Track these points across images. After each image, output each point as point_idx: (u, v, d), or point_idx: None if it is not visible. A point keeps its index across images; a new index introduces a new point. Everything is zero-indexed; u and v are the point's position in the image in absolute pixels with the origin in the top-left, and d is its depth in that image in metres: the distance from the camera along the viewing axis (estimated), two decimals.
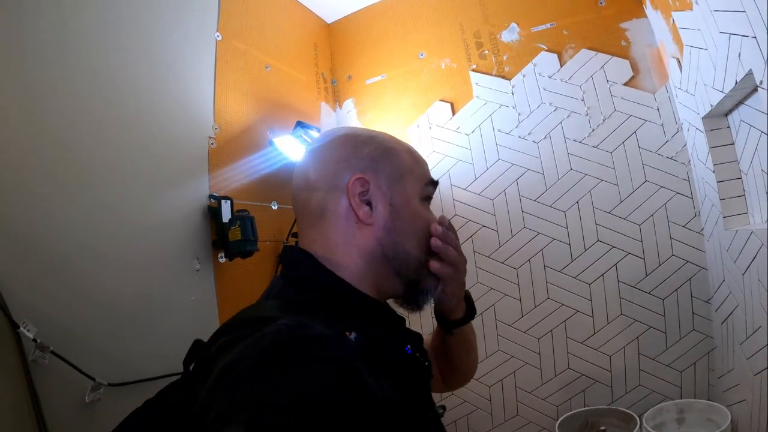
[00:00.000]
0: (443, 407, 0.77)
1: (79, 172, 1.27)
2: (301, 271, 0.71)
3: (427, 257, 0.74)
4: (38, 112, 1.19)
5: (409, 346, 0.72)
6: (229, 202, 1.66)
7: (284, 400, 0.47)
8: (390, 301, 0.77)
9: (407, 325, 0.78)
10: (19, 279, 1.09)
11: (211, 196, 1.66)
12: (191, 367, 0.63)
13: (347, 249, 0.70)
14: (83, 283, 1.23)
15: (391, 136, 0.79)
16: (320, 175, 0.72)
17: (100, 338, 1.25)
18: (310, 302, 0.66)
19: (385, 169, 0.72)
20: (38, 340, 1.09)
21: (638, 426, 1.64)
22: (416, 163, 0.77)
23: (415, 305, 0.76)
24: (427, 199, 0.77)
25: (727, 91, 1.36)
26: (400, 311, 0.76)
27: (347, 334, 0.61)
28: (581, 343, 1.96)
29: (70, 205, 1.24)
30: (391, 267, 0.72)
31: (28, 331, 1.08)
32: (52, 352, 1.11)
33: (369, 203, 0.71)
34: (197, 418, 0.53)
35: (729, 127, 1.55)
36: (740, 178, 1.53)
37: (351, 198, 0.69)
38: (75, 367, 1.16)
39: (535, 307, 2.04)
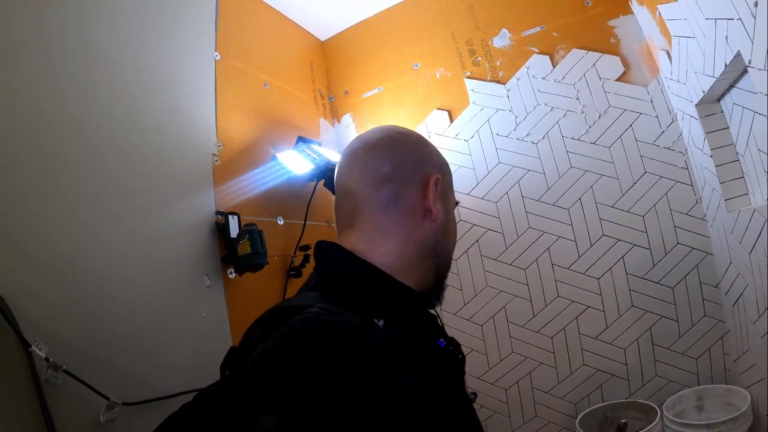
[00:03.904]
0: (475, 393, 0.78)
1: (88, 192, 1.29)
2: (333, 263, 0.73)
3: None
4: (45, 134, 1.21)
5: (442, 340, 0.73)
6: (236, 217, 1.68)
7: (312, 388, 0.48)
8: None
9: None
10: (30, 297, 1.08)
11: (217, 213, 1.67)
12: (227, 373, 0.65)
13: (403, 240, 0.74)
14: (94, 302, 1.23)
15: None
16: (397, 167, 0.76)
17: (113, 357, 1.24)
18: (342, 291, 0.68)
19: (446, 176, 0.81)
20: (50, 359, 1.07)
21: (659, 416, 1.63)
22: (451, 177, 0.85)
23: (437, 299, 0.81)
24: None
25: (717, 75, 1.39)
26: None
27: (375, 321, 0.63)
28: (594, 338, 1.95)
29: (80, 224, 1.24)
30: (434, 263, 0.77)
31: (39, 350, 1.06)
32: (65, 371, 1.09)
33: None
34: (232, 410, 0.54)
35: (722, 111, 1.58)
36: (738, 160, 1.54)
37: (431, 193, 0.74)
38: (89, 386, 1.14)
39: (546, 306, 2.04)
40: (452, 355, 0.74)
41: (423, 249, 0.75)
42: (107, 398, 1.18)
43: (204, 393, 0.69)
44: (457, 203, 0.87)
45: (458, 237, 2.09)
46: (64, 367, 1.10)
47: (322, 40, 2.60)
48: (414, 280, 0.75)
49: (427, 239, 0.75)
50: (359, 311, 0.61)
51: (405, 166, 0.76)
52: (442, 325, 0.78)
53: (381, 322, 0.63)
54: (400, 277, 0.72)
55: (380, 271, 0.70)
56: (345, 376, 0.49)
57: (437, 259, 0.77)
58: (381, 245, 0.73)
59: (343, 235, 0.77)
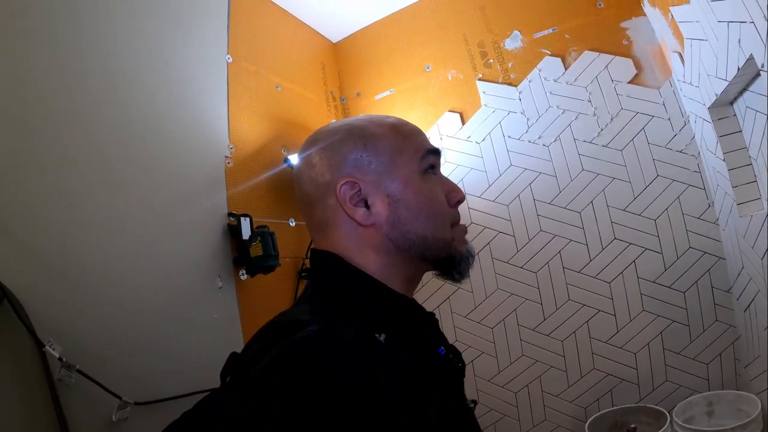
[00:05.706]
0: (474, 401, 0.77)
1: (101, 194, 1.31)
2: (330, 274, 0.70)
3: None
4: (59, 136, 1.24)
5: (442, 348, 0.71)
6: (248, 219, 1.70)
7: (306, 404, 0.48)
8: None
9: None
10: (44, 298, 1.10)
11: (230, 215, 1.70)
12: (228, 379, 0.63)
13: (363, 251, 0.70)
14: (107, 302, 1.25)
15: (371, 119, 0.75)
16: (312, 187, 0.72)
17: (126, 357, 1.26)
18: (341, 304, 0.66)
19: (370, 162, 0.70)
20: (64, 359, 1.09)
21: (668, 422, 1.62)
22: (405, 138, 0.73)
23: (453, 278, 0.74)
24: (430, 169, 0.74)
25: (730, 78, 1.38)
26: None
27: (377, 336, 0.61)
28: (605, 342, 1.94)
29: (93, 226, 1.27)
30: (412, 255, 0.70)
31: (53, 350, 1.08)
32: (78, 371, 1.11)
33: (366, 202, 0.69)
34: (233, 426, 0.54)
35: (735, 115, 1.56)
36: (750, 164, 1.53)
37: (343, 205, 0.68)
38: (101, 386, 1.16)
39: (557, 309, 2.03)
40: (452, 363, 0.72)
41: (385, 253, 0.69)
42: (119, 397, 1.20)
43: (205, 404, 0.68)
44: (430, 152, 0.73)
45: (471, 238, 2.12)
46: (77, 366, 1.12)
47: (335, 41, 2.61)
48: (406, 279, 0.72)
49: (379, 244, 0.69)
50: (359, 325, 0.60)
51: (321, 182, 0.71)
52: (443, 334, 0.77)
53: (382, 337, 0.61)
54: (393, 282, 0.69)
55: (376, 281, 0.68)
56: (338, 391, 0.49)
57: (412, 251, 0.69)
58: (355, 257, 0.70)
59: (320, 242, 0.75)
